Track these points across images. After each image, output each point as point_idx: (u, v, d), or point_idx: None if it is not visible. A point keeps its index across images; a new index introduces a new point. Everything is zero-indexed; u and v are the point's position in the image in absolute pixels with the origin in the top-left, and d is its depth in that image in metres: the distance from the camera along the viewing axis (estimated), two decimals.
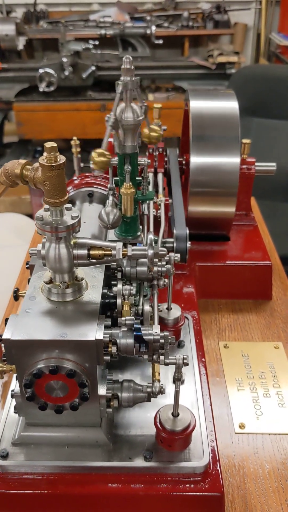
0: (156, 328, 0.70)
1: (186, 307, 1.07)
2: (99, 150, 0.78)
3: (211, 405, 0.85)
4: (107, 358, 0.69)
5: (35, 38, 3.62)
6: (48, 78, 3.24)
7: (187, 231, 1.03)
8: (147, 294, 0.87)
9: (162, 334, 0.70)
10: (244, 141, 1.26)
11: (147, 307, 0.79)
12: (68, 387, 0.69)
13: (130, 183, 0.88)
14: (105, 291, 0.77)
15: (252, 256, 1.22)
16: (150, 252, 0.72)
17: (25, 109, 3.29)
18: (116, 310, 0.76)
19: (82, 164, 1.26)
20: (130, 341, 0.69)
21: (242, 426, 0.93)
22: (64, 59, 3.19)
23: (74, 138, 1.25)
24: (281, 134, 2.44)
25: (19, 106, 3.27)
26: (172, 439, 0.74)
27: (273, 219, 1.71)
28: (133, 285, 0.84)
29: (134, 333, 0.67)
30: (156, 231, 1.03)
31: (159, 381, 0.73)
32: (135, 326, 0.68)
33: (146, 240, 0.72)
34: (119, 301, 0.75)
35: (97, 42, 3.39)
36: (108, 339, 0.69)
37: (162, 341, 0.70)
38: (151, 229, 1.01)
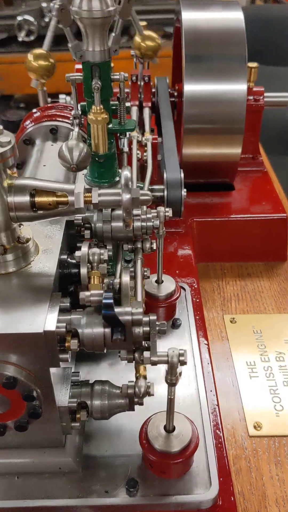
0: (137, 305, 0.47)
1: (182, 274, 0.84)
2: (37, 51, 0.53)
3: (218, 405, 0.64)
4: (65, 356, 0.47)
5: None
6: (27, 26, 2.93)
7: (182, 175, 0.79)
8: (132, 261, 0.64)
9: (147, 317, 0.48)
10: (250, 65, 1.01)
11: (126, 278, 0.56)
12: (9, 400, 0.47)
13: (101, 107, 0.65)
14: (65, 257, 0.54)
15: (263, 208, 0.99)
16: (126, 196, 0.48)
17: (4, 61, 2.99)
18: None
19: (49, 100, 1.02)
20: (99, 330, 0.47)
21: (257, 426, 0.71)
22: (44, 4, 2.88)
23: None
24: (282, 81, 2.18)
25: None
26: (166, 464, 0.52)
27: (282, 173, 1.47)
28: (107, 247, 0.61)
29: (103, 312, 0.45)
30: (142, 178, 0.79)
31: (145, 378, 0.51)
32: (104, 301, 0.45)
33: (121, 180, 0.49)
34: (83, 271, 0.52)
35: None
36: (65, 329, 0.46)
37: (146, 328, 0.47)
38: (134, 171, 0.77)
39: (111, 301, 0.45)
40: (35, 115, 0.87)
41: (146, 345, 0.48)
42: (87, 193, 0.49)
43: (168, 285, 0.72)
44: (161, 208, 0.64)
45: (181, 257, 0.87)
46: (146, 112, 0.98)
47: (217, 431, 0.60)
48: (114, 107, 0.70)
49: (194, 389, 0.64)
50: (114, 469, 0.55)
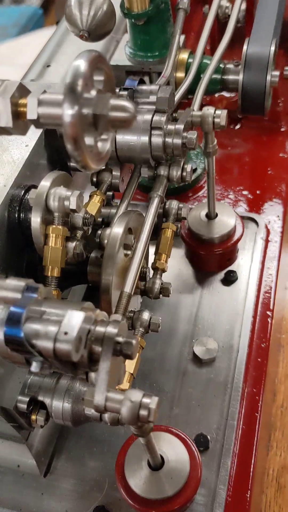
0: (73, 318, 0.27)
1: (264, 197, 0.59)
2: None
3: (259, 413, 0.44)
4: None
5: None
6: None
7: (272, 48, 0.50)
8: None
9: (102, 328, 0.28)
10: None
11: (117, 230, 0.36)
12: None
13: None
14: (17, 192, 0.35)
15: None
16: (68, 112, 0.25)
17: None
18: None
19: None
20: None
21: None
22: None
23: None
24: None
25: None
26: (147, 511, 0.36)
27: None
28: (112, 173, 0.41)
29: (4, 327, 0.26)
30: (213, 48, 0.53)
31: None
32: (11, 309, 0.26)
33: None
34: (35, 221, 0.33)
35: None
36: None
37: (96, 347, 0.28)
38: (203, 41, 0.51)
39: (22, 311, 0.26)
40: None
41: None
42: (21, 99, 0.28)
43: (225, 221, 0.50)
44: (208, 111, 0.41)
45: (270, 170, 0.61)
46: None
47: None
48: None
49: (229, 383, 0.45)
50: (85, 485, 0.40)
